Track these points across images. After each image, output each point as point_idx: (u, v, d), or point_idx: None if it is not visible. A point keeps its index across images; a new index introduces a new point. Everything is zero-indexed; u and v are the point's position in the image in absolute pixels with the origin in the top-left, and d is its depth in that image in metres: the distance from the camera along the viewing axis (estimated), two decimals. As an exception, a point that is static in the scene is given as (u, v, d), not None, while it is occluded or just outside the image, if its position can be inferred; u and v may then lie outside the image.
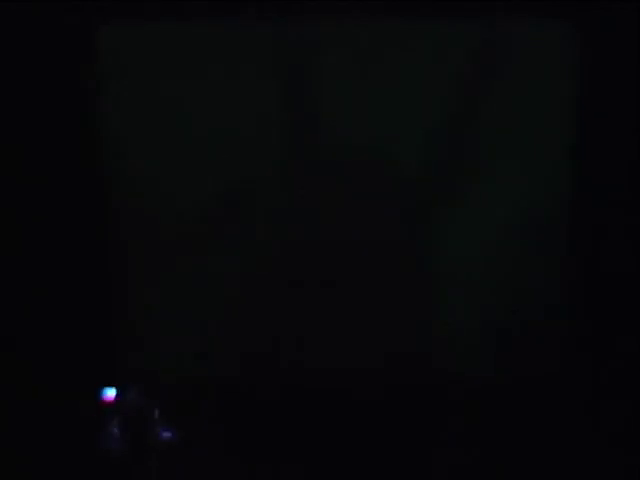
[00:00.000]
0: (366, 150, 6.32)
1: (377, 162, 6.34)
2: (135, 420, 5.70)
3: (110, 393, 5.80)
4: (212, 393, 6.31)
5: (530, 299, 6.39)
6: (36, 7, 6.17)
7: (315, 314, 6.41)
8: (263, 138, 6.34)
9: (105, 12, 6.22)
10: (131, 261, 6.39)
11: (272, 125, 6.34)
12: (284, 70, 6.31)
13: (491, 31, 6.27)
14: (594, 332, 6.30)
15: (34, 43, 6.19)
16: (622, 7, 6.16)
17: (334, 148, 6.34)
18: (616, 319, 6.28)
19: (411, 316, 6.41)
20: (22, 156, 6.24)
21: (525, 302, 6.39)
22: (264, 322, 6.41)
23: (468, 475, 6.02)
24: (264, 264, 6.40)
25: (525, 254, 6.38)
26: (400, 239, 6.39)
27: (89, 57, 6.28)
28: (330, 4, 6.16)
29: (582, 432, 6.17)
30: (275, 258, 6.39)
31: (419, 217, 6.39)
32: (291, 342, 6.41)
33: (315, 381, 6.36)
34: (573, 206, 6.34)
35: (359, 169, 6.34)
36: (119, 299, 6.39)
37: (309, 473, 6.04)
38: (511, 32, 6.27)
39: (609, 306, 6.29)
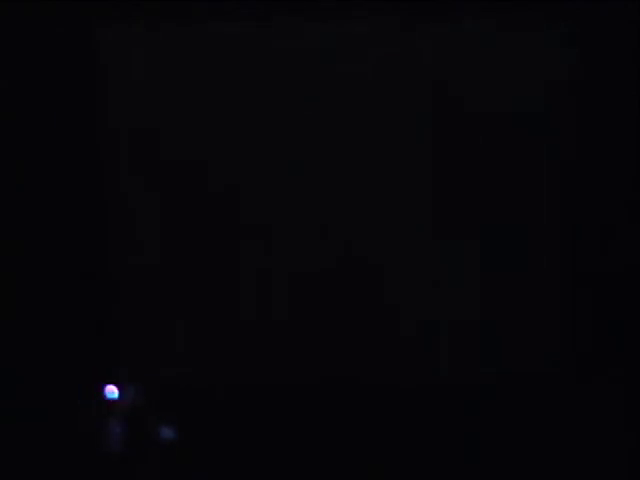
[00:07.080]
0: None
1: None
2: (135, 420, 5.71)
3: (110, 393, 5.81)
4: (212, 393, 6.32)
5: (529, 299, 6.41)
6: (36, 7, 6.17)
7: (311, 316, 6.44)
8: (263, 137, 6.36)
9: (105, 12, 6.22)
10: (130, 261, 6.39)
11: (271, 124, 6.36)
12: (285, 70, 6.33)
13: (491, 31, 6.29)
14: (594, 332, 6.31)
15: (33, 43, 6.20)
16: (622, 7, 6.18)
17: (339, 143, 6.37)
18: (616, 319, 6.29)
19: (410, 317, 6.42)
20: (22, 156, 6.24)
21: (524, 302, 6.41)
22: (264, 323, 6.41)
23: (467, 475, 6.02)
24: (262, 266, 6.41)
25: (524, 255, 6.39)
26: (397, 243, 6.41)
27: (89, 57, 6.28)
28: (331, 4, 6.19)
29: (581, 432, 6.17)
30: (273, 260, 6.40)
31: (418, 222, 6.41)
32: (290, 343, 6.41)
33: (315, 382, 6.36)
34: (573, 206, 6.36)
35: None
36: (119, 298, 6.39)
37: (309, 474, 6.05)
38: (511, 32, 6.28)
39: (609, 306, 6.29)
